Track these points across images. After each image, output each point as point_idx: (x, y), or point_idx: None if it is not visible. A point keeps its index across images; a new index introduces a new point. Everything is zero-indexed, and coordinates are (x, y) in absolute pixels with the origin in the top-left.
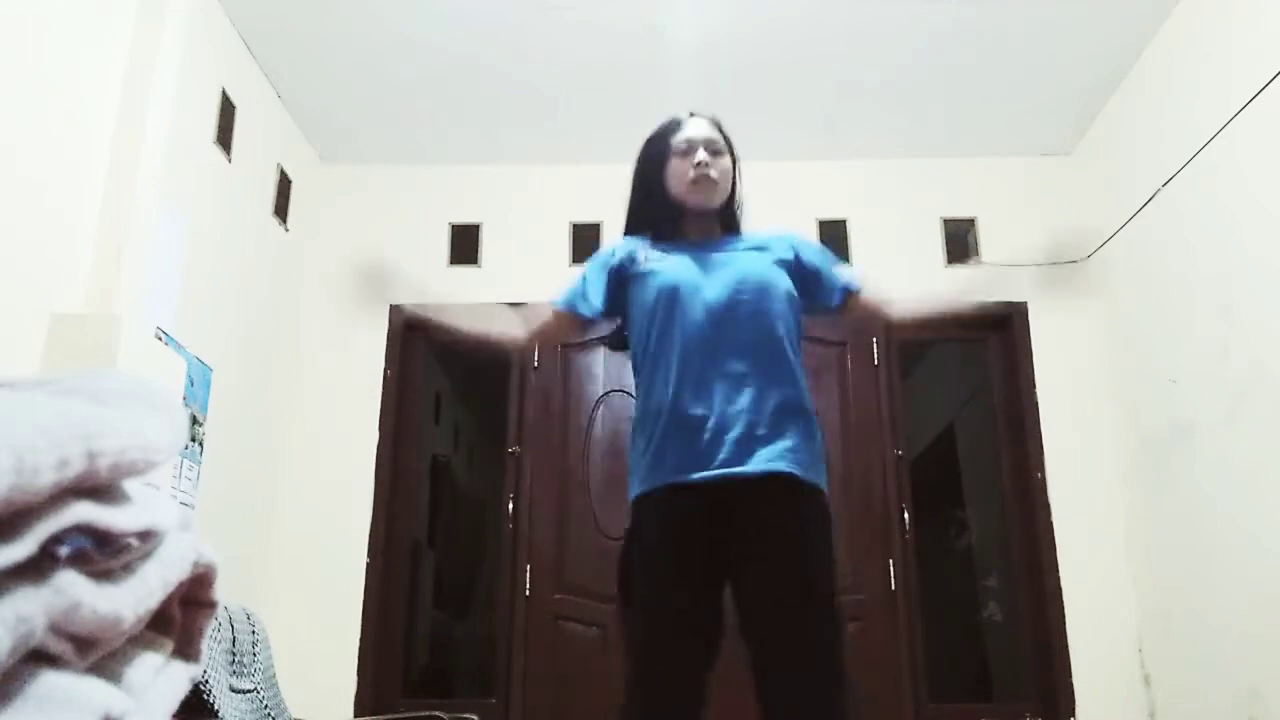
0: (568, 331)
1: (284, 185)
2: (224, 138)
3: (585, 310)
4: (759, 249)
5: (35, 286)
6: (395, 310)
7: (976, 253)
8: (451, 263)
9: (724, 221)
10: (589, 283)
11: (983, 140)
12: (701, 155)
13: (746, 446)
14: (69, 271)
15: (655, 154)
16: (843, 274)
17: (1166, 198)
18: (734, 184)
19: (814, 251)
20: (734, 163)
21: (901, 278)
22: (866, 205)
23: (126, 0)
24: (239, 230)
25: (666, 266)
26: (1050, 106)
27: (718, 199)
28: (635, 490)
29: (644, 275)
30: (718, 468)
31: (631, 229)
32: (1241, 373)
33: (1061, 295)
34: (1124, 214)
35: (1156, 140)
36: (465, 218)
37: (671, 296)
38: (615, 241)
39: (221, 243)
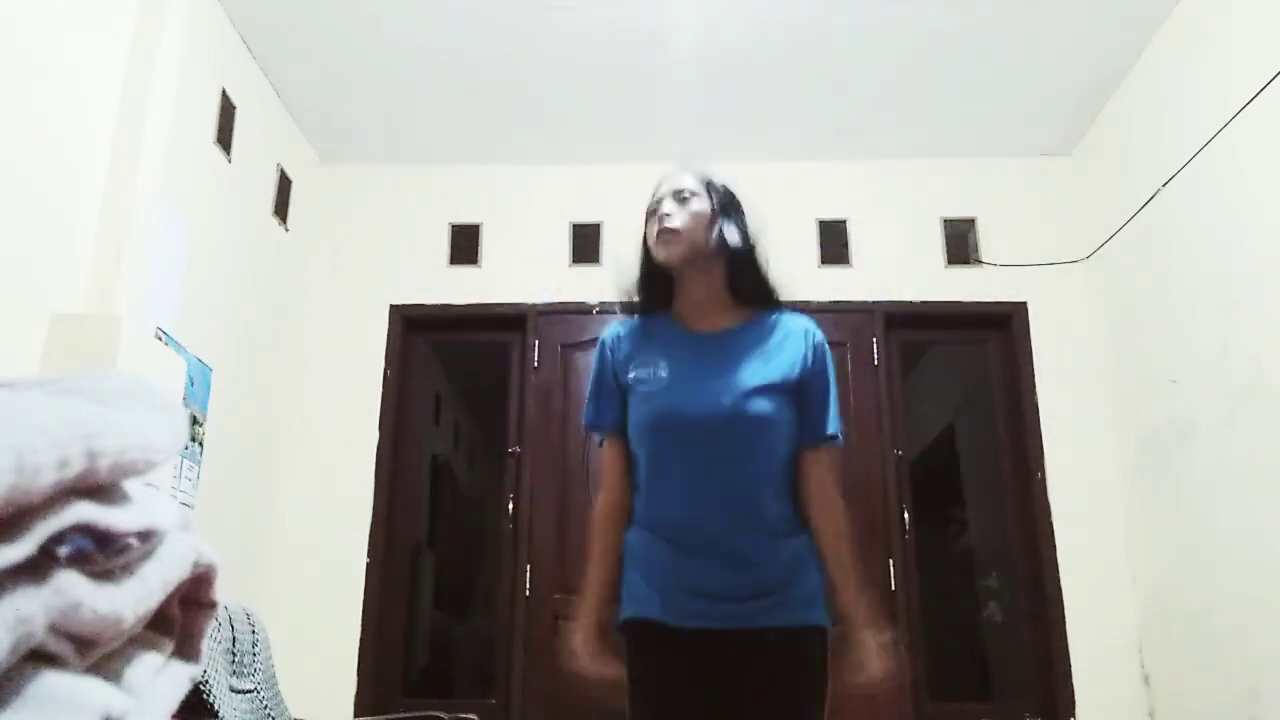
0: (627, 453)
1: (284, 185)
2: (224, 138)
3: (611, 428)
4: (761, 356)
5: (35, 286)
6: (395, 310)
7: (977, 254)
8: (451, 263)
9: (730, 283)
10: (603, 405)
11: (983, 140)
12: (665, 208)
13: (743, 601)
14: (69, 271)
15: (646, 218)
16: (824, 426)
17: (1166, 198)
18: (725, 227)
19: (819, 384)
20: (723, 206)
21: (902, 278)
22: (866, 205)
23: (126, 0)
24: (239, 230)
25: (650, 389)
26: (1050, 106)
27: (683, 251)
28: (625, 611)
29: (632, 390)
30: (701, 621)
31: (633, 304)
32: (1241, 373)
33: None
34: (1124, 214)
35: (1156, 140)
36: (465, 218)
37: (650, 428)
38: (603, 338)
39: (221, 243)
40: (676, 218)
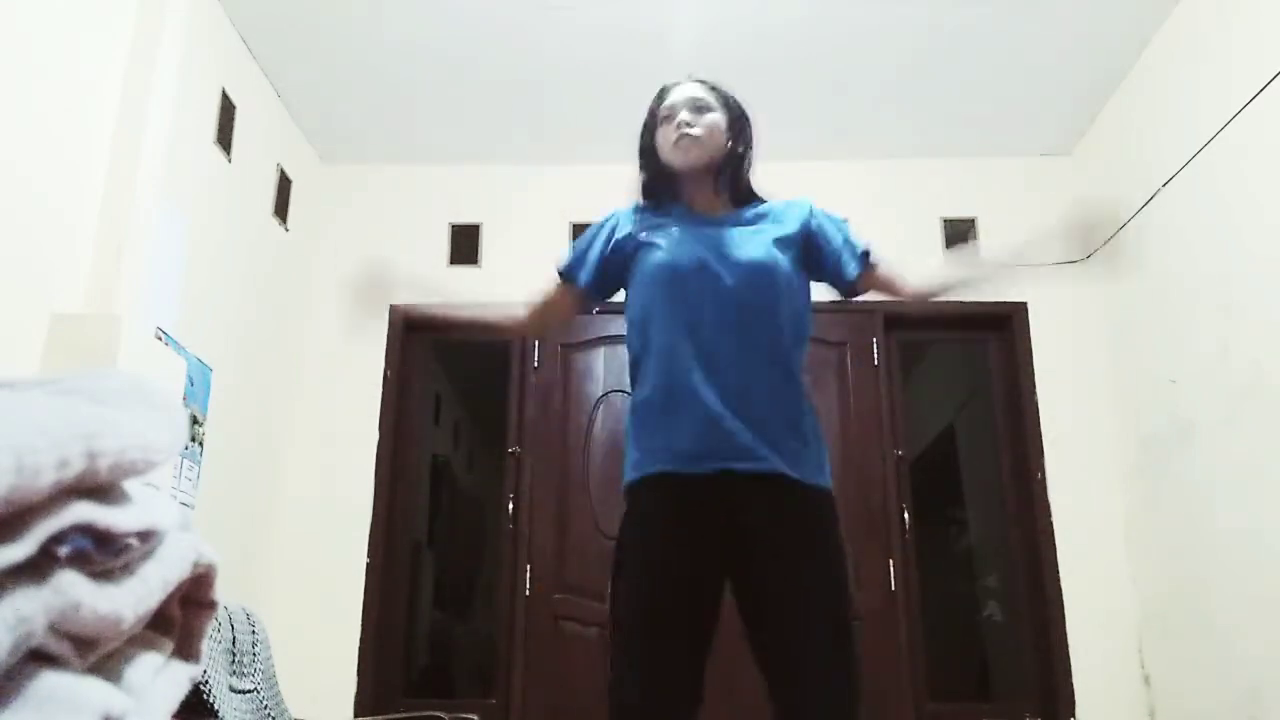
0: (567, 309)
1: (284, 185)
2: (224, 138)
3: (582, 279)
4: (765, 225)
5: (35, 286)
6: (395, 310)
7: (977, 254)
8: (451, 263)
9: (728, 184)
10: (587, 252)
11: (983, 140)
12: (683, 115)
13: (746, 443)
14: (69, 271)
15: (648, 125)
16: (858, 248)
17: (1166, 198)
18: (735, 141)
19: (829, 224)
20: (735, 119)
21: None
22: (866, 205)
23: (126, 0)
24: (239, 230)
25: (661, 243)
26: (1050, 106)
27: (703, 157)
28: (629, 475)
29: (639, 249)
30: (717, 462)
31: (639, 197)
32: (1241, 373)
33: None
34: (1124, 214)
35: (1156, 140)
36: (465, 218)
37: (666, 279)
38: (616, 209)
39: (221, 243)
40: (697, 126)
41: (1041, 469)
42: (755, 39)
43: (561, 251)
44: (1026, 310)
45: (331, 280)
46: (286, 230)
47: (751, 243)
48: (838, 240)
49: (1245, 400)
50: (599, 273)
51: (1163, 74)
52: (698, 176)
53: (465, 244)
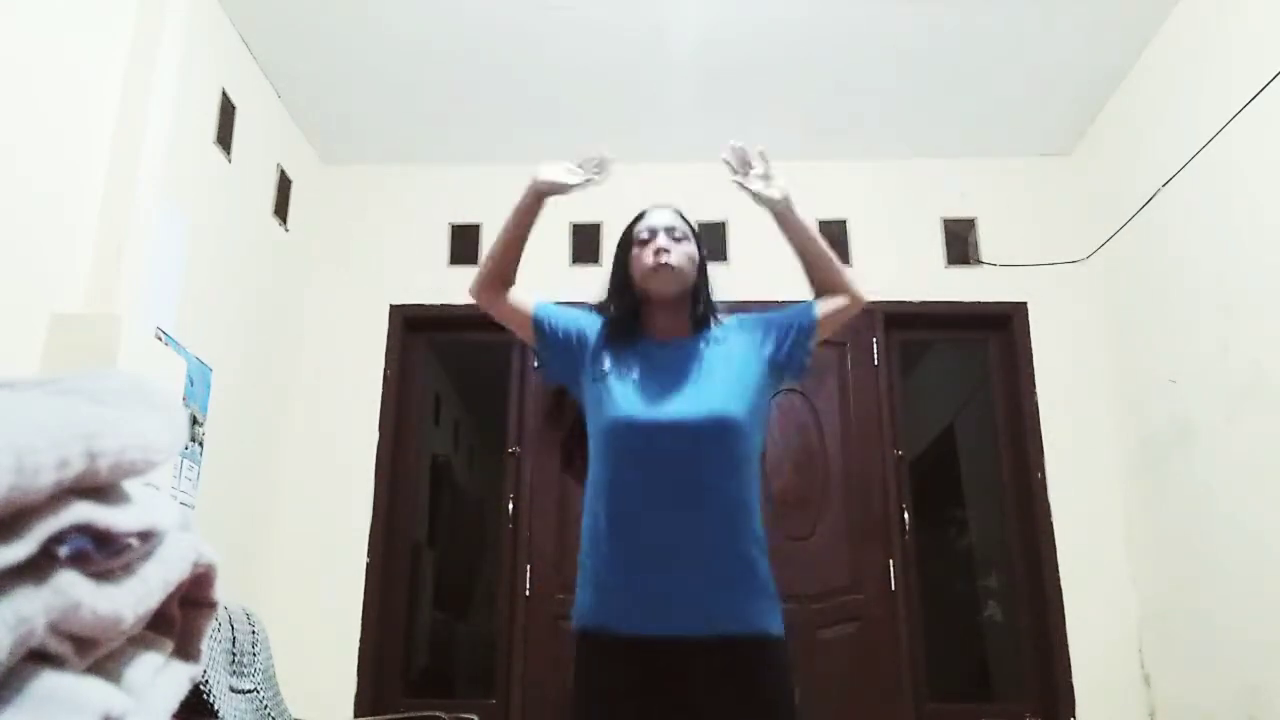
0: (517, 323)
1: (284, 185)
2: (224, 138)
3: (542, 334)
4: (724, 355)
5: (35, 286)
6: (395, 310)
7: (977, 254)
8: (451, 263)
9: (694, 314)
10: (557, 329)
11: (983, 140)
12: (661, 241)
13: (691, 608)
14: (69, 271)
15: (622, 246)
16: (800, 315)
17: (1166, 198)
18: (701, 274)
19: (774, 322)
20: (701, 252)
21: (902, 278)
22: (866, 205)
23: (126, 0)
24: (239, 230)
25: (617, 390)
26: (1050, 106)
27: (677, 286)
28: (578, 619)
29: (599, 384)
30: (662, 628)
31: (606, 326)
32: (1241, 373)
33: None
34: (1124, 214)
35: (1156, 140)
36: (465, 218)
37: (617, 431)
38: (588, 316)
39: (221, 243)
40: (674, 255)
41: (1041, 469)
42: (755, 39)
43: (544, 297)
44: (1026, 310)
45: (331, 280)
46: (286, 230)
47: (711, 386)
48: (788, 321)
49: (1245, 400)
50: (552, 333)
51: (1163, 74)
52: (666, 305)
53: (465, 244)
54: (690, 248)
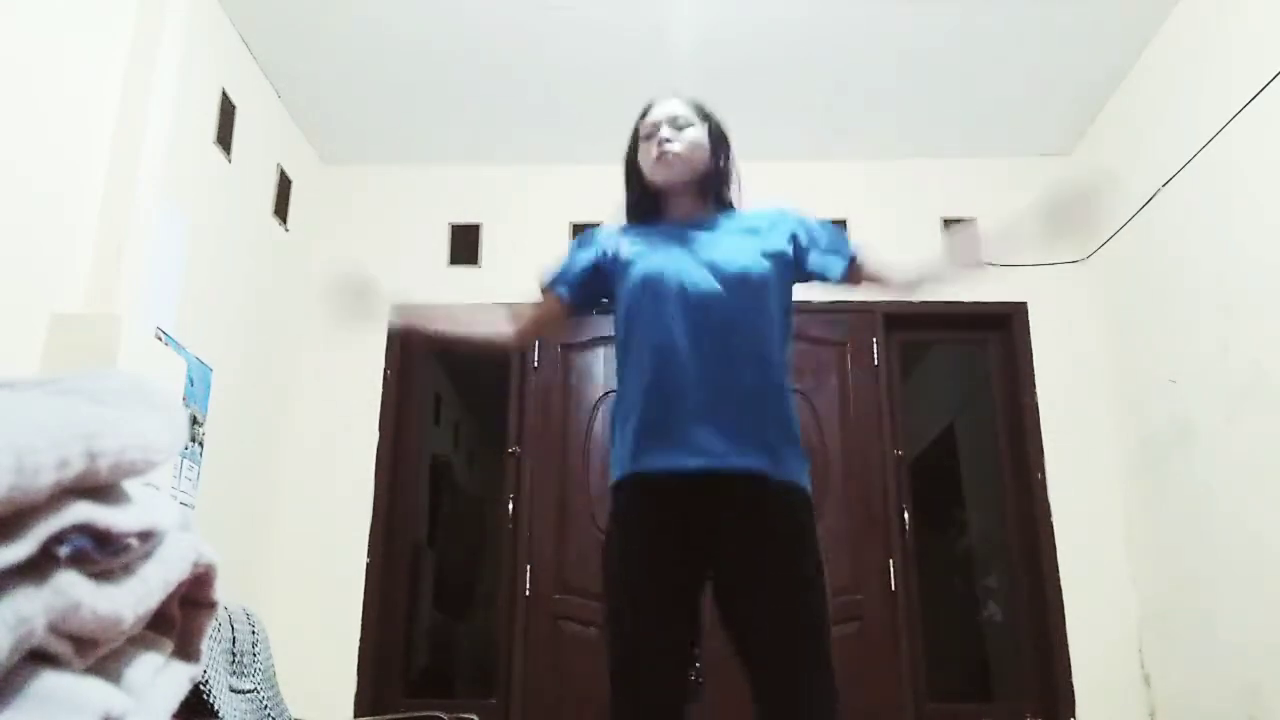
0: (555, 320)
1: (284, 185)
2: (224, 138)
3: (565, 293)
4: (749, 232)
5: (35, 286)
6: (395, 310)
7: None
8: (451, 263)
9: (711, 195)
10: (570, 267)
11: (983, 140)
12: (663, 132)
13: (725, 444)
14: (69, 271)
15: (631, 143)
16: (844, 245)
17: (1166, 198)
18: (716, 155)
19: (812, 228)
20: (714, 134)
21: None
22: (866, 205)
23: (126, 0)
24: (239, 230)
25: (646, 255)
26: (1050, 106)
27: (685, 173)
28: (613, 475)
29: (625, 265)
30: (694, 462)
31: (625, 215)
32: (1241, 373)
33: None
34: (1124, 214)
35: (1156, 140)
36: (465, 218)
37: (649, 288)
38: (602, 229)
39: (221, 243)
40: (677, 143)
41: (1041, 469)
42: (755, 39)
43: (547, 265)
44: (1026, 310)
45: (324, 291)
46: (286, 230)
47: (736, 249)
48: (822, 243)
49: (1245, 400)
50: (581, 287)
51: (1163, 74)
52: (680, 192)
53: (465, 244)
54: (696, 133)
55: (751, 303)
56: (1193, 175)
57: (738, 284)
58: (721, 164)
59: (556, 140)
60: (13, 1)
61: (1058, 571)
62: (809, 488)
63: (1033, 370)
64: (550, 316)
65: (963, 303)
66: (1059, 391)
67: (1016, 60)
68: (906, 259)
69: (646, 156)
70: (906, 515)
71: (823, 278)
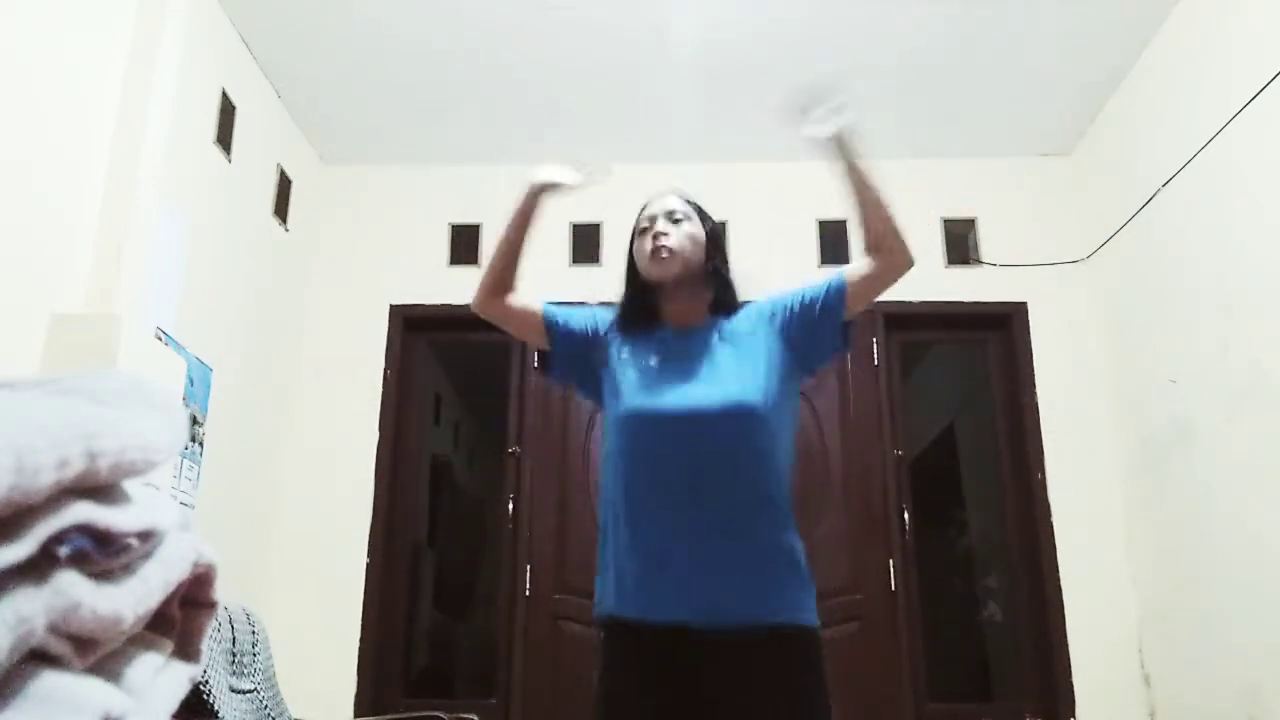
0: (521, 324)
1: (284, 185)
2: (224, 138)
3: (554, 334)
4: (745, 345)
5: (35, 286)
6: (395, 310)
7: (977, 254)
8: (451, 263)
9: (710, 294)
10: (568, 317)
11: (983, 140)
12: (659, 226)
13: (717, 591)
14: (69, 271)
15: (631, 238)
16: (830, 290)
17: (1166, 198)
18: (712, 251)
19: (795, 304)
20: (709, 229)
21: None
22: None
23: (126, 0)
24: (239, 230)
25: (633, 380)
26: (1050, 106)
27: (679, 269)
28: (599, 608)
29: (618, 375)
30: (681, 613)
31: (620, 318)
32: (1241, 373)
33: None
34: (1124, 214)
35: (1156, 140)
36: (465, 218)
37: (633, 421)
38: (601, 310)
39: (221, 243)
40: (672, 238)
41: (1041, 469)
42: (755, 39)
43: (551, 301)
44: (1026, 310)
45: (331, 280)
46: (286, 230)
47: (731, 374)
48: (813, 305)
49: (1245, 400)
50: (566, 334)
51: (1163, 74)
52: (675, 289)
53: (465, 244)
54: (691, 228)
55: (746, 435)
56: (1193, 175)
57: (731, 416)
58: (719, 263)
59: (557, 140)
60: (13, 1)
61: (1058, 571)
62: (812, 622)
63: (1033, 370)
64: (522, 317)
65: (963, 303)
66: (1059, 391)
67: (1016, 60)
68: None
69: (641, 252)
70: (906, 515)
71: (827, 307)
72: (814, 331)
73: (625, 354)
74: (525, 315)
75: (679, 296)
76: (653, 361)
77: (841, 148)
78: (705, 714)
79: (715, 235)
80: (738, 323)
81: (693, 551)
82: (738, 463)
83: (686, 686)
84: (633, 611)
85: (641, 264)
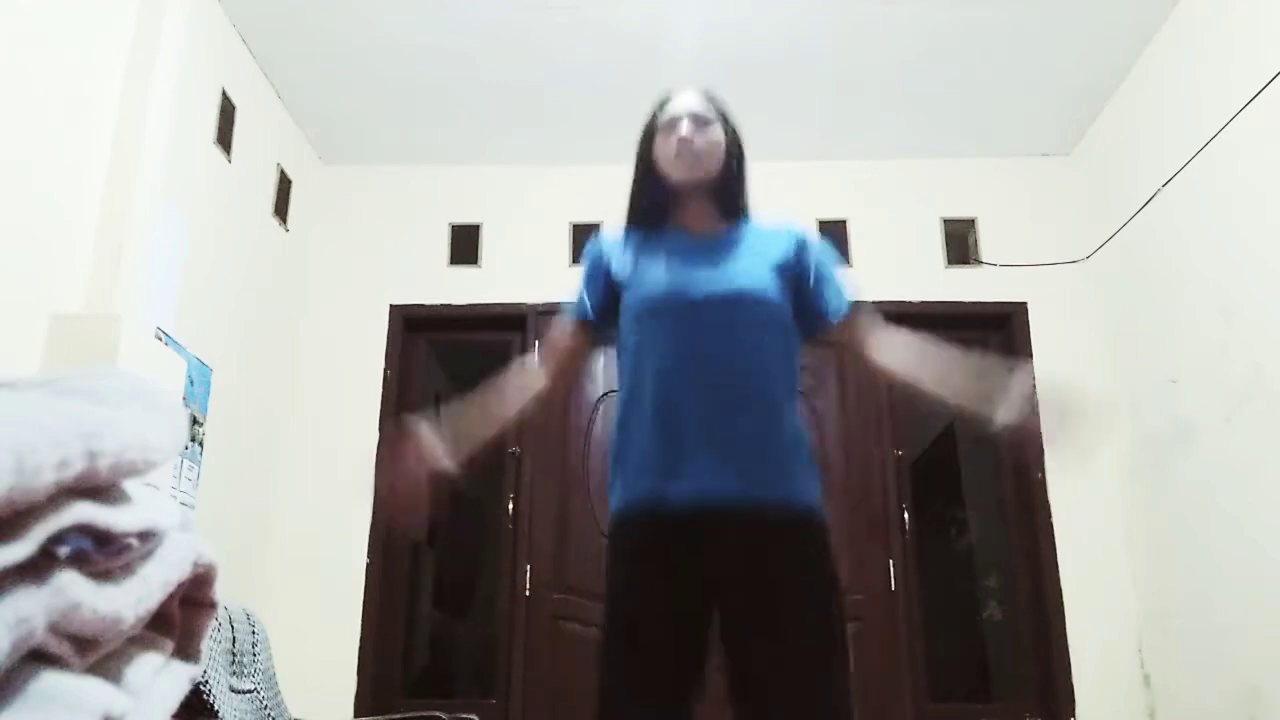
0: (584, 347)
1: (284, 185)
2: (224, 138)
3: (591, 315)
4: (759, 248)
5: (35, 286)
6: (395, 310)
7: (977, 254)
8: (451, 263)
9: (724, 202)
10: (586, 289)
11: (983, 140)
12: (684, 127)
13: (727, 470)
14: (69, 271)
15: (645, 135)
16: (840, 296)
17: (1166, 198)
18: (733, 158)
19: (819, 260)
20: (732, 135)
21: (902, 278)
22: (866, 205)
23: (126, 1)
24: (239, 230)
25: (653, 271)
26: (1050, 106)
27: (704, 171)
28: (612, 504)
29: (628, 282)
30: (694, 491)
31: (629, 215)
32: (1241, 373)
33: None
34: (1124, 214)
35: (1156, 140)
36: (465, 218)
37: (653, 310)
38: (604, 241)
39: (221, 243)
40: (698, 139)
41: (1041, 469)
42: (755, 39)
43: (566, 304)
44: (1026, 310)
45: (331, 280)
46: (286, 230)
47: (744, 268)
48: (825, 285)
49: (1245, 400)
50: (603, 304)
51: (1163, 74)
52: (693, 192)
53: (465, 244)
54: (716, 133)
55: (759, 321)
56: (1193, 175)
57: (745, 303)
58: (736, 168)
59: (556, 140)
60: (13, 1)
61: (1058, 571)
62: (822, 509)
63: (1033, 370)
64: (583, 346)
65: (963, 303)
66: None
67: (1016, 60)
68: (897, 343)
69: (665, 150)
70: (906, 515)
71: (809, 323)
72: (802, 310)
73: (633, 253)
74: (575, 351)
75: (696, 200)
76: (663, 259)
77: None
78: (719, 594)
79: (736, 139)
80: (763, 240)
81: (708, 429)
82: (750, 345)
83: (697, 569)
84: (645, 491)
85: (663, 163)
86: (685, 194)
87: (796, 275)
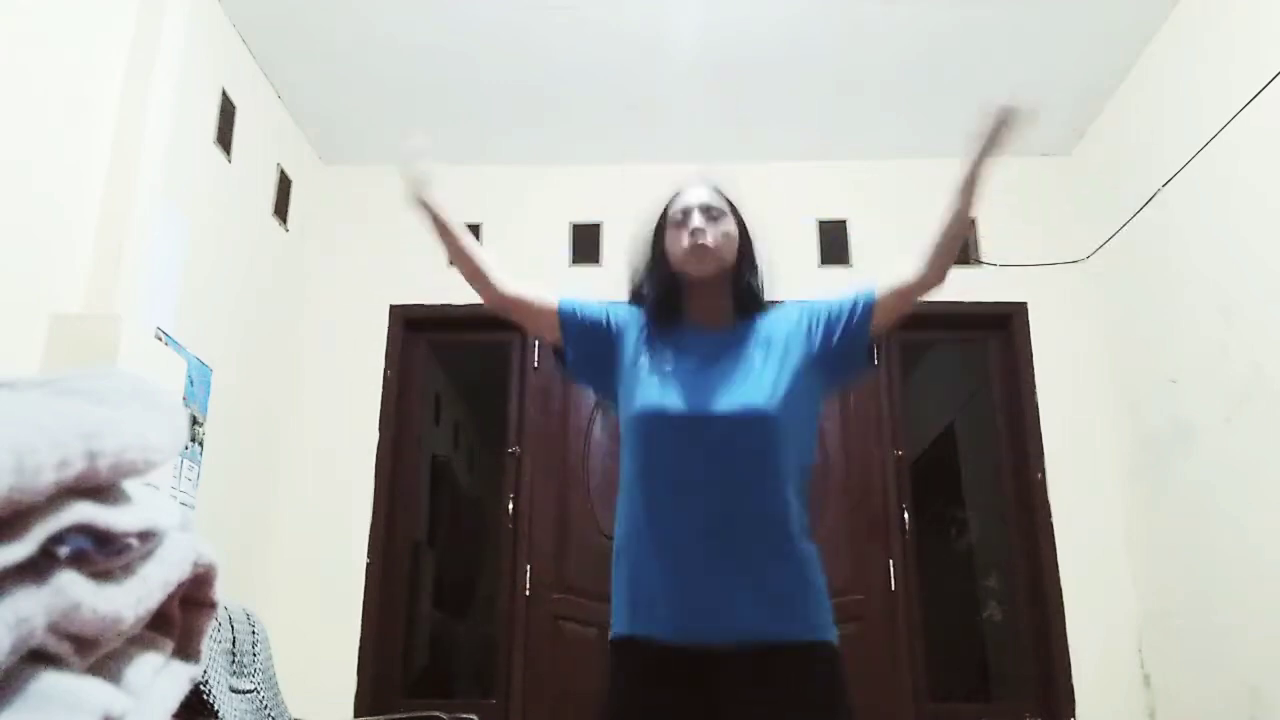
0: (534, 317)
1: (284, 185)
2: (224, 138)
3: (568, 328)
4: (770, 345)
5: (35, 286)
6: (395, 310)
7: (976, 254)
8: (452, 263)
9: (738, 295)
10: (582, 306)
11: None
12: (696, 221)
13: (736, 605)
14: (69, 271)
15: (657, 228)
16: (857, 295)
17: (1166, 198)
18: (745, 251)
19: (828, 307)
20: (743, 227)
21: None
22: (866, 205)
23: (126, 1)
24: (239, 230)
25: (657, 374)
26: (1050, 106)
27: (716, 267)
28: (615, 626)
29: (633, 374)
30: (702, 634)
31: (635, 301)
32: (1241, 373)
33: None
34: (1124, 214)
35: (1156, 140)
36: (465, 218)
37: (659, 421)
38: (625, 309)
39: (221, 243)
40: (709, 235)
41: (1041, 469)
42: (755, 39)
43: (569, 291)
44: (1026, 310)
45: (331, 280)
46: (286, 230)
47: (756, 377)
48: (845, 312)
49: (1245, 400)
50: (580, 325)
51: (1162, 74)
52: (705, 286)
53: None
54: (728, 225)
55: (772, 444)
56: (1193, 175)
57: (758, 420)
58: (750, 260)
59: (556, 140)
60: (13, 1)
61: (1058, 571)
62: (831, 639)
63: (1033, 370)
64: (535, 310)
65: (963, 303)
66: (1059, 391)
67: (1016, 60)
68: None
69: (676, 245)
70: (906, 515)
71: (856, 321)
72: (842, 351)
73: (643, 351)
74: (535, 309)
75: (706, 294)
76: (669, 364)
77: (993, 148)
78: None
79: (748, 233)
80: (771, 327)
81: (709, 564)
82: (754, 471)
83: (703, 704)
84: (649, 629)
85: (676, 259)
86: (695, 288)
87: (822, 337)
